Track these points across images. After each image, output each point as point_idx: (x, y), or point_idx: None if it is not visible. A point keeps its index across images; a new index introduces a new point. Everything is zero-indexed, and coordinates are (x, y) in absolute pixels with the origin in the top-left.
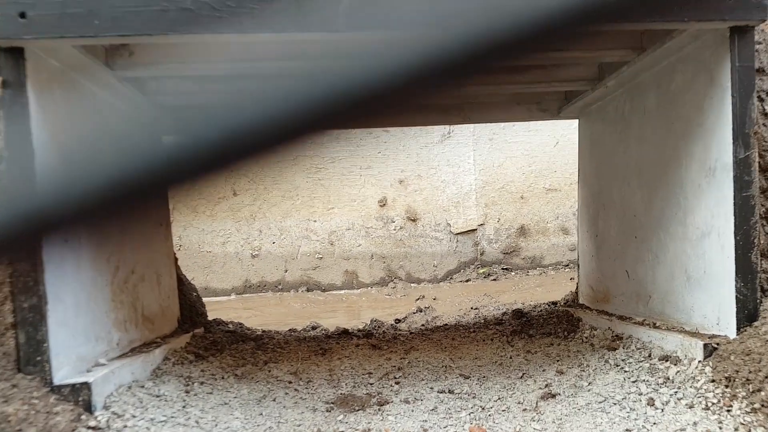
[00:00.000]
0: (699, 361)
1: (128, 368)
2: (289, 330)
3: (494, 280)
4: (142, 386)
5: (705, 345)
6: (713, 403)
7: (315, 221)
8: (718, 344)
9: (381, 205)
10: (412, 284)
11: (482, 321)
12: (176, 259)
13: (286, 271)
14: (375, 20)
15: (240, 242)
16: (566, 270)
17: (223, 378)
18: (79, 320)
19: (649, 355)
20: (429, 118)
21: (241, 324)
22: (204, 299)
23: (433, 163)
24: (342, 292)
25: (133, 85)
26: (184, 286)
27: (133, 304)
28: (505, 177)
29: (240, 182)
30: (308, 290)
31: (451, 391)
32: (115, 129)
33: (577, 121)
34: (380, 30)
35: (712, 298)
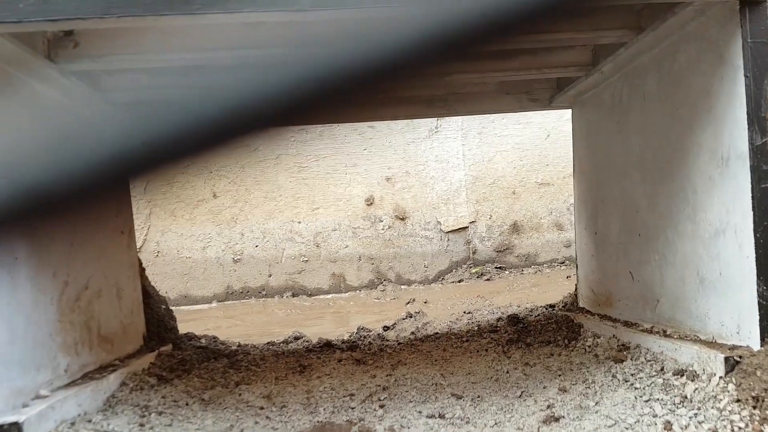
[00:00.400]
0: (720, 377)
1: (74, 399)
2: (268, 343)
3: (488, 280)
4: (90, 421)
5: (726, 358)
6: (740, 428)
7: (299, 222)
8: (740, 357)
9: (368, 204)
10: (402, 286)
11: (476, 328)
12: (143, 269)
13: (270, 275)
14: None
15: (221, 246)
16: (562, 267)
17: (187, 405)
18: (15, 348)
19: (662, 369)
20: (412, 111)
21: (215, 338)
22: (183, 308)
23: (421, 159)
24: (329, 296)
25: (82, 81)
26: (151, 299)
27: (87, 324)
28: (495, 172)
29: (220, 183)
30: (293, 295)
31: (441, 416)
32: (61, 129)
33: (569, 111)
34: (351, 8)
35: (729, 304)
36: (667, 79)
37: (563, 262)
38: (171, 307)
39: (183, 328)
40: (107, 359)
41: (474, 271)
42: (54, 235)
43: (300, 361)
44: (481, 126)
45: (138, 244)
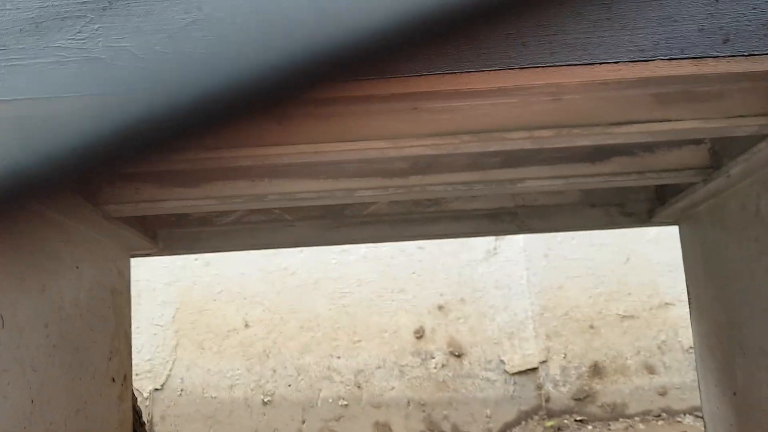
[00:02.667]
0: None
1: None
2: None
3: None
4: None
5: None
6: None
7: (338, 357)
8: None
9: (417, 337)
10: None
11: None
12: (141, 424)
13: (303, 422)
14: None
15: (250, 385)
16: (659, 422)
17: None
18: None
19: None
20: (472, 228)
21: None
22: None
23: (478, 284)
24: None
25: None
26: None
27: None
28: (567, 301)
29: (253, 311)
30: None
31: None
32: None
33: (653, 230)
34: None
35: None
36: None
37: (659, 416)
38: None
39: None
40: None
41: (549, 425)
42: (7, 394)
43: None
44: (547, 247)
45: (161, 381)
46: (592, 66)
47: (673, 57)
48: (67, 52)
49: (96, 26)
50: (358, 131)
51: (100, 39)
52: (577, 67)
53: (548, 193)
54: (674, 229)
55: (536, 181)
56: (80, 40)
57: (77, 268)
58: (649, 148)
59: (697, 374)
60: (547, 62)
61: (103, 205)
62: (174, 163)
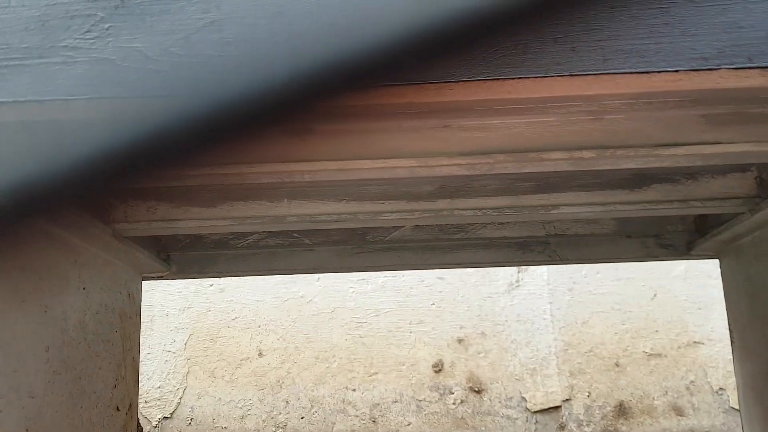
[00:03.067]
0: None
1: None
2: None
3: None
4: None
5: None
6: None
7: (354, 390)
8: None
9: (436, 371)
10: None
11: None
12: None
13: None
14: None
15: (262, 416)
16: None
17: None
18: None
19: None
20: (501, 257)
21: None
22: None
23: (500, 318)
24: None
25: None
26: None
27: None
28: (592, 337)
29: (268, 339)
30: None
31: None
32: None
33: (679, 264)
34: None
35: None
36: None
37: None
38: None
39: None
40: None
41: None
42: (0, 422)
43: None
44: (572, 281)
45: (171, 409)
46: (649, 74)
47: (740, 66)
48: (75, 52)
49: (106, 25)
50: (386, 148)
51: (110, 39)
52: (633, 75)
53: (582, 222)
54: (703, 265)
55: (571, 207)
56: (89, 39)
57: (84, 289)
58: (692, 175)
59: (741, 420)
60: (600, 69)
61: (114, 223)
62: (190, 179)
